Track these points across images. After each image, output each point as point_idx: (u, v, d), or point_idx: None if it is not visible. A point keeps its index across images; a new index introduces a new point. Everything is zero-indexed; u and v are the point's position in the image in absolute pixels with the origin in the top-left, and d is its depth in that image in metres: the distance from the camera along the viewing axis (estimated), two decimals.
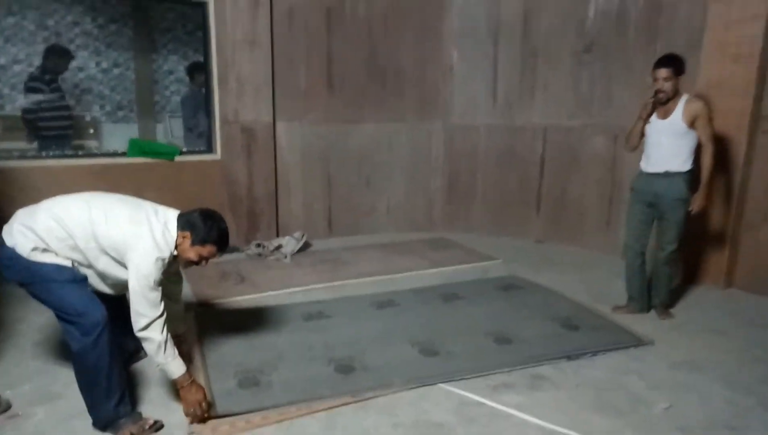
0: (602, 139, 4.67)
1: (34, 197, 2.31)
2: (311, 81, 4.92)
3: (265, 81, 4.65)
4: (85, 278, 2.13)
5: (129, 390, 2.23)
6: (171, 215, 2.20)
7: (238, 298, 3.51)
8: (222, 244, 2.22)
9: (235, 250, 4.47)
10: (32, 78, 4.80)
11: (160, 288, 2.08)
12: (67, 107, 5.07)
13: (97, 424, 2.11)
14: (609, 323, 3.20)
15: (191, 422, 2.13)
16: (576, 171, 4.87)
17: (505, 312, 3.34)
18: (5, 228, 2.10)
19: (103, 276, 2.16)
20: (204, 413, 2.13)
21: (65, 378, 2.45)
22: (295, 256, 4.44)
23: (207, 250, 2.18)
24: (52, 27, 6.30)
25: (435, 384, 2.49)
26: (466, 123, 5.34)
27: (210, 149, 4.67)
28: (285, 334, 2.97)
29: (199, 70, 4.91)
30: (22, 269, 2.04)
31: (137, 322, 2.03)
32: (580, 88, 4.78)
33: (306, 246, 4.65)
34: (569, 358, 2.75)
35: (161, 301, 2.07)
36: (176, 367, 2.12)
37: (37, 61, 5.49)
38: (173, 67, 6.98)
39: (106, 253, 2.08)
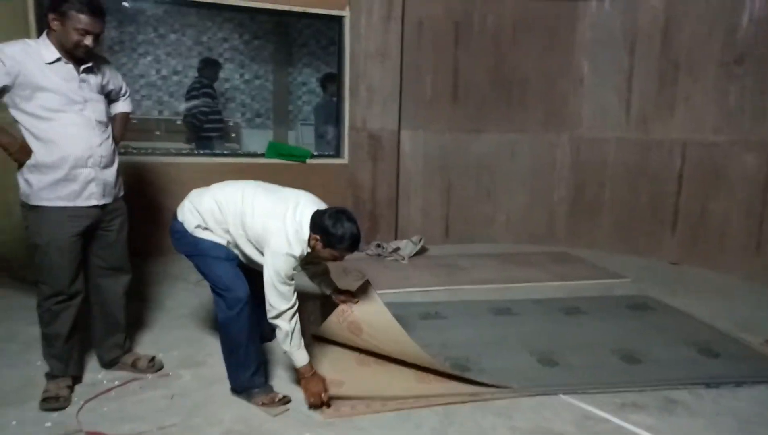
0: (753, 157, 4.23)
1: (183, 189, 2.54)
2: (436, 91, 5.01)
3: (393, 91, 4.81)
4: (236, 257, 2.34)
5: (264, 365, 2.41)
6: (307, 213, 2.19)
7: None
8: (352, 248, 2.23)
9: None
10: (201, 86, 5.39)
11: (292, 282, 2.18)
12: (220, 112, 5.66)
13: (234, 390, 2.31)
14: (756, 354, 2.88)
15: (310, 408, 2.24)
16: (719, 189, 4.46)
17: (634, 331, 3.13)
18: (180, 204, 2.37)
19: (247, 258, 2.34)
20: (323, 402, 2.22)
21: (208, 349, 2.73)
22: (412, 259, 4.52)
23: (339, 251, 2.21)
24: (205, 42, 7.07)
25: (556, 394, 2.41)
26: (596, 135, 5.12)
27: (338, 154, 4.93)
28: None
29: (332, 81, 5.20)
30: (187, 243, 2.31)
31: (269, 311, 2.17)
32: (728, 102, 4.38)
33: (422, 250, 4.71)
34: (708, 385, 2.52)
35: (293, 293, 2.18)
36: (300, 357, 2.24)
37: (192, 73, 6.20)
38: (306, 79, 7.48)
39: (250, 242, 2.25)
